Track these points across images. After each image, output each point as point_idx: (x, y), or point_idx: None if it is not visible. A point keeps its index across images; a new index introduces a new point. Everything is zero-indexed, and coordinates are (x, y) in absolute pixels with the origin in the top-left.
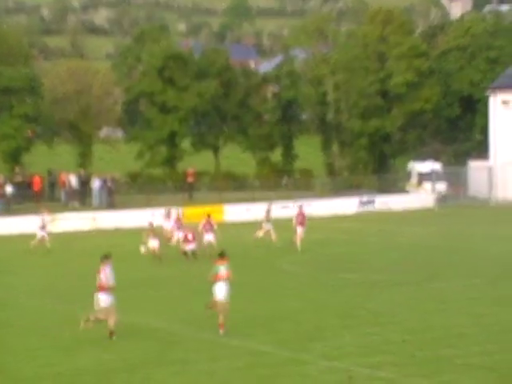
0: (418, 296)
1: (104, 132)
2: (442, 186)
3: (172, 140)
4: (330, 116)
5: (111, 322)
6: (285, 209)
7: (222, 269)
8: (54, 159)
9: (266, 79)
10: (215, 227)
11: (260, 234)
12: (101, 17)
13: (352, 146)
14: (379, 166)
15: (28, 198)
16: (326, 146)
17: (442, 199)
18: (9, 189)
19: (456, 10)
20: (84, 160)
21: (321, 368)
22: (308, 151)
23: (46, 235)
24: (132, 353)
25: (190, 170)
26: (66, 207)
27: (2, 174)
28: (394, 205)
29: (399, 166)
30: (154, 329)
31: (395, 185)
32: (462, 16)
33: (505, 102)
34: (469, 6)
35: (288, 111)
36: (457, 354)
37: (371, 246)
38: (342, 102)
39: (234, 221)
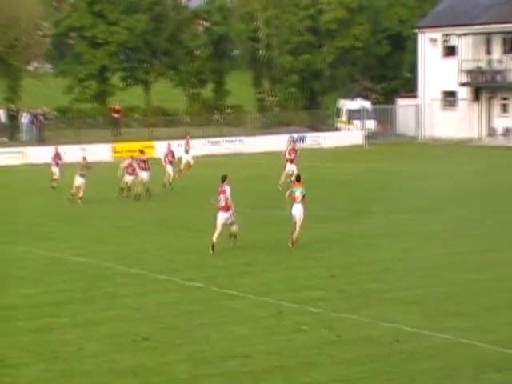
0: (345, 231)
1: (33, 66)
2: (371, 124)
3: (102, 75)
4: (261, 52)
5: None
6: (215, 145)
7: (298, 191)
8: None
9: (197, 14)
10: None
11: (181, 166)
12: None
13: (283, 82)
14: (309, 102)
15: None
16: (256, 82)
17: (371, 136)
18: None
19: None
20: (12, 94)
21: (250, 303)
22: (239, 87)
23: None
24: (60, 288)
25: (116, 106)
26: None
27: None
28: (324, 142)
29: (329, 103)
30: (82, 264)
31: (325, 122)
32: None
33: (432, 40)
34: None
35: (219, 47)
36: (383, 288)
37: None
38: (273, 37)
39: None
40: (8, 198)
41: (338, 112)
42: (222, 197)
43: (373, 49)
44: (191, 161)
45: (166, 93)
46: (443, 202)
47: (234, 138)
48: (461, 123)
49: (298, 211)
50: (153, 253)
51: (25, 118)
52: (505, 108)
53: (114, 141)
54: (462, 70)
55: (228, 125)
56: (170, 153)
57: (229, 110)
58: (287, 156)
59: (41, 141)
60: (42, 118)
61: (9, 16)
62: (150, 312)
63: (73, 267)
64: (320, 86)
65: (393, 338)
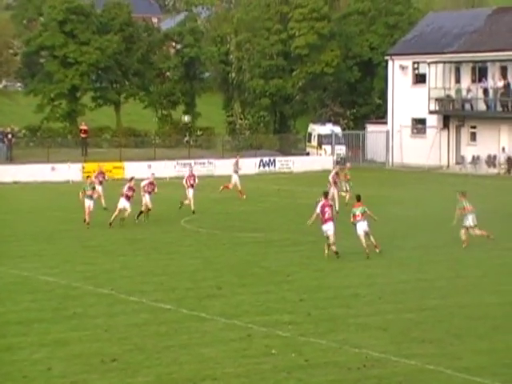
0: (313, 256)
1: (2, 84)
2: (341, 149)
3: (73, 94)
4: (232, 75)
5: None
6: (185, 167)
7: (358, 210)
8: None
9: (168, 36)
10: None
11: (230, 185)
12: None
13: (253, 105)
14: (280, 126)
15: None
16: (227, 104)
17: (340, 162)
18: None
19: None
20: None
21: (219, 325)
22: (210, 110)
23: None
24: (28, 307)
25: (83, 126)
26: None
27: None
28: (293, 166)
29: (299, 128)
30: (51, 283)
31: (295, 146)
32: None
33: (403, 67)
34: None
35: (190, 69)
36: (351, 313)
37: (270, 206)
38: (245, 61)
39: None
40: None
41: (308, 137)
42: (327, 209)
43: (343, 74)
44: (238, 182)
45: (137, 113)
46: (411, 228)
47: (204, 161)
48: (430, 151)
49: (363, 227)
50: (122, 273)
51: None
52: (473, 136)
53: (83, 161)
54: (431, 98)
55: (198, 147)
56: (192, 176)
57: (199, 132)
58: (330, 179)
59: (10, 159)
60: (10, 136)
61: None
62: (118, 333)
63: (41, 286)
64: (291, 110)
65: (361, 363)
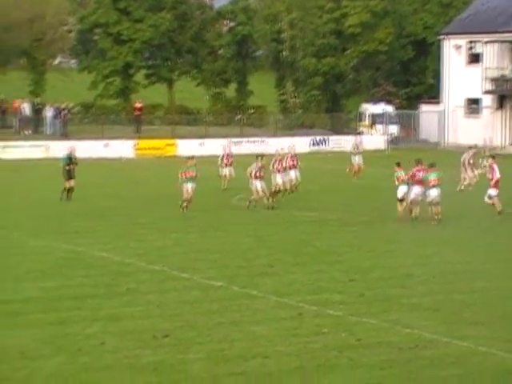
0: (367, 236)
1: (57, 60)
2: (393, 129)
3: (126, 72)
4: (284, 53)
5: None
6: (237, 145)
7: (433, 175)
8: (5, 86)
9: (221, 14)
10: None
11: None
12: None
13: (306, 84)
14: (332, 105)
15: None
16: (279, 83)
17: (393, 141)
18: None
19: None
20: (37, 88)
21: (271, 303)
22: (262, 88)
23: None
24: (81, 282)
25: (137, 104)
26: (18, 135)
27: None
28: (346, 145)
29: (351, 107)
30: (104, 259)
31: (347, 125)
32: None
33: (457, 47)
34: None
35: (243, 47)
36: (403, 293)
37: (324, 185)
38: (297, 39)
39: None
40: (29, 191)
41: (360, 116)
42: (419, 173)
43: (397, 53)
44: (362, 164)
45: (189, 91)
46: (464, 210)
47: (256, 139)
48: (485, 131)
49: (435, 192)
50: (174, 250)
51: (49, 112)
52: None
53: (137, 137)
54: (486, 78)
55: (250, 125)
56: (228, 155)
57: (251, 111)
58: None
59: (64, 135)
60: (65, 112)
61: (34, 11)
62: (170, 309)
63: (95, 262)
64: (343, 89)
65: (413, 343)
